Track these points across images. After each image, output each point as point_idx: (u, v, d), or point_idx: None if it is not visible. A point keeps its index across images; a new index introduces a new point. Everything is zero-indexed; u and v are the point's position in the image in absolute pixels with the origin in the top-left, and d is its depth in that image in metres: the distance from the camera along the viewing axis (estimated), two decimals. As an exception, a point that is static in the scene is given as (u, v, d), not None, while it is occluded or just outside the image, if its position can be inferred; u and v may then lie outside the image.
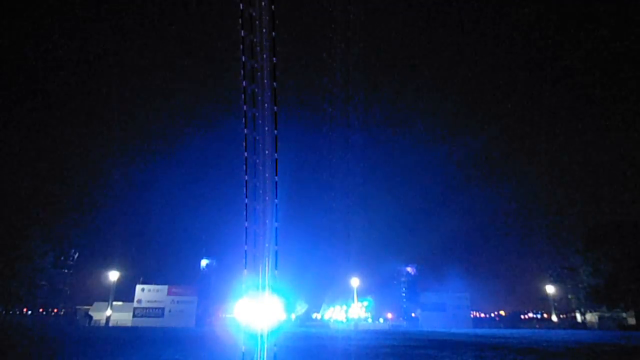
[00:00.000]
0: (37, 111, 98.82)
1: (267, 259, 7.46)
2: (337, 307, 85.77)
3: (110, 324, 62.17)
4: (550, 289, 71.74)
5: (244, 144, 7.50)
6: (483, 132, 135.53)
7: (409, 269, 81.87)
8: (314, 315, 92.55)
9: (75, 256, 64.49)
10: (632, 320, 58.03)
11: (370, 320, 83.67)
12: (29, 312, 63.78)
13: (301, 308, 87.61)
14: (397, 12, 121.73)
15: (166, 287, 70.06)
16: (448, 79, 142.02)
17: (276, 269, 7.59)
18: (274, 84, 7.43)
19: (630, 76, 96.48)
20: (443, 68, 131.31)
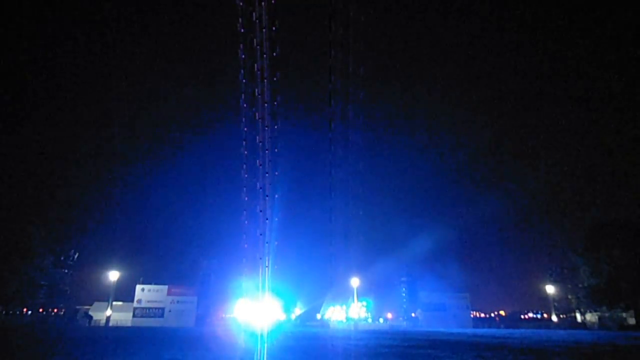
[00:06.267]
0: (38, 112, 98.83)
1: (266, 260, 7.47)
2: (338, 307, 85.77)
3: (110, 324, 62.13)
4: (550, 289, 71.70)
5: (243, 144, 7.51)
6: (483, 133, 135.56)
7: (408, 269, 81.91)
8: (314, 315, 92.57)
9: (75, 256, 64.39)
10: (632, 320, 58.01)
11: (370, 320, 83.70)
12: (29, 312, 63.69)
13: (301, 308, 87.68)
14: (398, 15, 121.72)
15: (166, 287, 70.02)
16: (448, 82, 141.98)
17: (275, 266, 7.60)
18: (275, 75, 7.44)
19: (631, 76, 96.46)
20: (444, 70, 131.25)
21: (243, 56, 7.40)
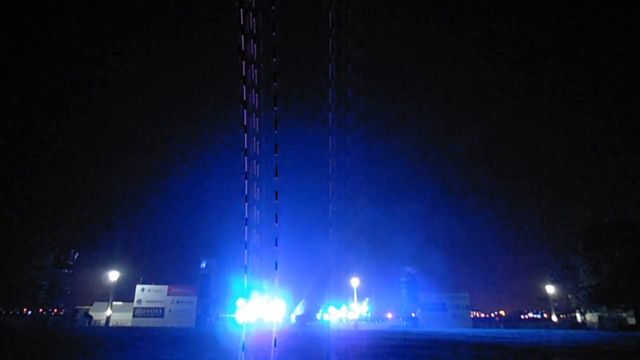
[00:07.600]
0: (38, 111, 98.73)
1: (266, 261, 7.47)
2: (337, 307, 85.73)
3: (110, 324, 62.14)
4: (550, 289, 71.66)
5: (244, 144, 7.51)
6: (482, 132, 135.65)
7: (408, 269, 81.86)
8: (314, 315, 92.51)
9: (75, 256, 64.31)
10: (632, 320, 57.93)
11: (370, 320, 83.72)
12: (29, 312, 63.67)
13: (301, 308, 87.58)
14: (392, 19, 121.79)
15: (166, 287, 70.03)
16: (446, 82, 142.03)
17: (276, 269, 7.60)
18: (275, 84, 7.45)
19: (629, 74, 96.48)
20: (442, 70, 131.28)
21: (243, 62, 7.41)
